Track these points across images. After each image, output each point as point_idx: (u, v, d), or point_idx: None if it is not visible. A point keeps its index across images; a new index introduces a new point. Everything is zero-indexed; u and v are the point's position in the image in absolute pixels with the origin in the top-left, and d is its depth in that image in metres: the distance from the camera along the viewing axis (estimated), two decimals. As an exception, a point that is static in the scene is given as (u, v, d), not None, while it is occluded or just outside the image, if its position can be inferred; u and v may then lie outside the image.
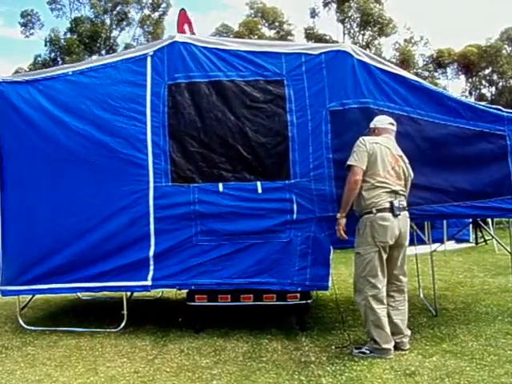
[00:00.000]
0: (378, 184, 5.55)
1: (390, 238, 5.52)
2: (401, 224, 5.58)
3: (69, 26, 41.69)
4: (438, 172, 6.07)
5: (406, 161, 5.79)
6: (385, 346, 5.47)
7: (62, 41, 40.79)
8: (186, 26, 8.96)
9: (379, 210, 5.51)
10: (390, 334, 5.53)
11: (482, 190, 6.06)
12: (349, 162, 5.62)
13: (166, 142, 6.42)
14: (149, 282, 6.41)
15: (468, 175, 6.08)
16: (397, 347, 5.60)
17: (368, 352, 5.52)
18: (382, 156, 5.57)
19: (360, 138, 5.66)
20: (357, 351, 5.58)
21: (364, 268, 5.58)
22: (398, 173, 5.67)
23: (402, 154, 5.78)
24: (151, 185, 6.40)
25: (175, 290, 7.05)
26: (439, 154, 6.07)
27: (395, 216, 5.51)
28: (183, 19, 9.09)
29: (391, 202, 5.51)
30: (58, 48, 40.93)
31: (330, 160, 6.19)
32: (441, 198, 6.08)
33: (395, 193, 5.57)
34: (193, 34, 8.86)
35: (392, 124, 5.87)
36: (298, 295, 6.26)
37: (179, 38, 6.58)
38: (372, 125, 5.89)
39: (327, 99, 6.23)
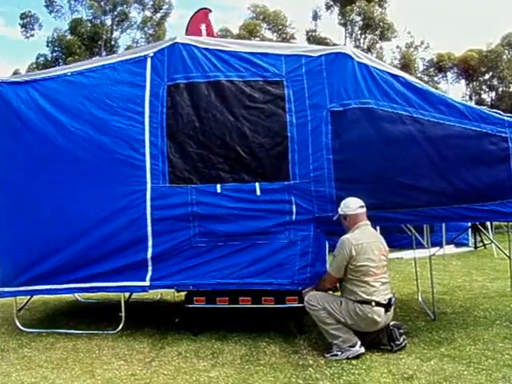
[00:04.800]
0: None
1: None
2: None
3: (68, 27, 41.76)
4: (439, 173, 6.02)
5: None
6: (349, 337, 5.60)
7: (64, 41, 40.76)
8: (202, 26, 8.91)
9: None
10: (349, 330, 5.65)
11: (483, 193, 6.01)
12: (328, 269, 5.94)
13: (163, 142, 6.40)
14: (147, 283, 6.39)
15: (469, 177, 6.02)
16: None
17: (340, 353, 5.56)
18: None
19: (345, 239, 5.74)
20: (329, 355, 5.61)
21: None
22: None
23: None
24: (149, 185, 6.37)
25: (174, 292, 7.03)
26: (441, 155, 6.02)
27: None
28: (201, 18, 9.02)
29: None
30: (60, 49, 40.93)
31: (330, 161, 6.16)
32: (441, 200, 6.04)
33: None
34: (211, 35, 8.84)
35: (362, 207, 5.89)
36: (297, 298, 6.22)
37: (180, 39, 6.57)
38: (341, 211, 5.92)
39: (327, 100, 6.22)
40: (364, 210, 5.88)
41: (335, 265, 5.74)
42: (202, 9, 9.39)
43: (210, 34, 8.92)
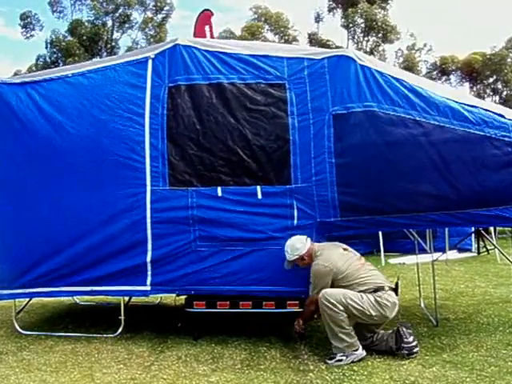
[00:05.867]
0: None
1: None
2: None
3: (68, 27, 41.68)
4: (442, 177, 5.94)
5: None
6: (354, 342, 5.56)
7: (63, 43, 40.73)
8: (206, 27, 8.92)
9: None
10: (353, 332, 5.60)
11: (486, 198, 5.93)
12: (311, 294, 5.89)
13: (164, 144, 6.35)
14: (148, 287, 6.37)
15: (472, 182, 5.93)
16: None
17: (345, 358, 5.52)
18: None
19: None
20: (333, 361, 5.55)
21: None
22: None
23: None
24: (148, 188, 6.33)
25: (174, 295, 6.99)
26: (444, 159, 5.94)
27: None
28: (205, 20, 9.03)
29: None
30: (59, 50, 40.90)
31: (333, 165, 6.11)
32: (444, 205, 5.97)
33: None
34: (211, 37, 8.84)
35: (306, 239, 5.99)
36: (298, 303, 6.19)
37: (181, 40, 6.53)
38: (294, 255, 5.93)
39: (330, 103, 6.18)
40: (308, 239, 6.00)
41: (319, 288, 5.72)
42: (204, 10, 9.40)
43: (211, 36, 8.93)
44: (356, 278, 5.65)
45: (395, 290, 5.72)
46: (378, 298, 5.54)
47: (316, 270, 5.76)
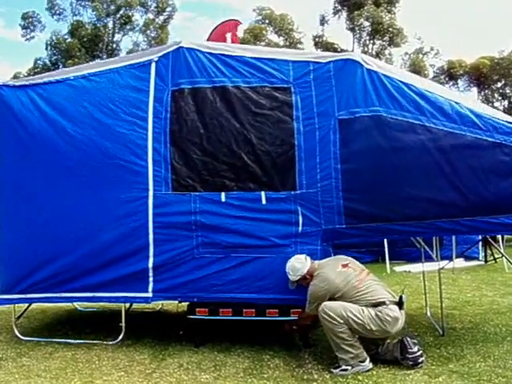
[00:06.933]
0: None
1: None
2: None
3: (68, 29, 41.75)
4: (450, 184, 5.86)
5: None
6: (359, 353, 5.47)
7: (63, 44, 40.78)
8: (228, 35, 8.91)
9: None
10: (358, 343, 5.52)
11: (495, 205, 5.84)
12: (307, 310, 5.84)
13: (167, 148, 6.29)
14: (149, 294, 6.31)
15: (481, 188, 5.84)
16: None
17: (350, 367, 5.44)
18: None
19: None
20: (337, 370, 5.48)
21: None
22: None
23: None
24: (151, 193, 6.27)
25: (176, 302, 6.94)
26: (452, 165, 5.86)
27: None
28: (229, 28, 9.02)
29: None
30: (59, 52, 40.96)
31: (338, 170, 6.03)
32: (451, 212, 5.88)
33: None
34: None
35: (305, 258, 5.90)
36: (302, 311, 6.07)
37: (185, 43, 6.48)
38: (296, 276, 5.85)
39: (336, 107, 6.10)
40: (308, 258, 5.91)
41: (314, 306, 5.68)
42: (231, 19, 9.40)
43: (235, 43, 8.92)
44: (353, 296, 5.54)
45: (399, 303, 5.61)
46: (379, 313, 5.44)
47: (313, 290, 5.71)
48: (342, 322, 5.39)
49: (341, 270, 5.72)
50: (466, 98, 7.56)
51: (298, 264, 5.84)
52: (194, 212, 6.19)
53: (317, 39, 44.46)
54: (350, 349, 5.43)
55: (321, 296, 5.62)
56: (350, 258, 6.00)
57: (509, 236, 14.42)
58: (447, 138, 5.85)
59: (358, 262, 6.01)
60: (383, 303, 5.48)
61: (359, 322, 5.39)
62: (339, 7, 44.07)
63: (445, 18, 68.90)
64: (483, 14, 73.95)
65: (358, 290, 5.55)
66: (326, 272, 5.72)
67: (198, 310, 6.31)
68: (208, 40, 8.87)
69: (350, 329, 5.41)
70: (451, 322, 7.41)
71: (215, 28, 9.42)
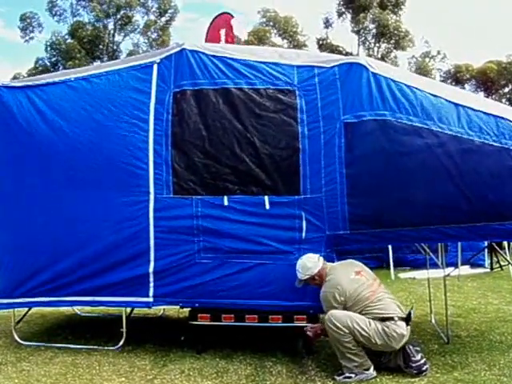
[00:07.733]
0: None
1: None
2: None
3: (68, 30, 41.84)
4: (456, 189, 5.77)
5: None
6: (364, 362, 5.42)
7: (64, 45, 40.83)
8: (222, 31, 8.81)
9: None
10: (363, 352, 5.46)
11: (501, 211, 5.74)
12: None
13: (168, 151, 6.22)
14: (150, 299, 6.26)
15: (487, 194, 5.75)
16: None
17: (354, 375, 5.38)
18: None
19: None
20: (341, 377, 5.41)
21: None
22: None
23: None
24: (151, 196, 6.20)
25: (177, 307, 6.90)
26: (459, 170, 5.77)
27: None
28: (222, 23, 8.93)
29: None
30: (59, 53, 40.99)
31: (343, 175, 5.96)
32: (457, 218, 5.81)
33: None
34: (230, 42, 8.71)
35: (319, 258, 5.83)
36: (306, 317, 6.06)
37: (188, 45, 6.42)
38: (306, 275, 5.76)
39: (341, 111, 6.03)
40: (321, 258, 5.83)
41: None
42: (222, 13, 9.28)
43: (230, 41, 8.80)
44: (362, 306, 5.46)
45: (407, 319, 5.52)
46: (386, 328, 5.36)
47: (323, 297, 5.64)
48: (347, 332, 5.32)
49: (354, 277, 5.64)
50: (477, 98, 7.47)
51: (310, 263, 5.76)
52: (196, 216, 6.12)
53: (321, 42, 44.47)
54: (354, 357, 5.38)
55: (331, 304, 5.55)
56: (361, 264, 5.92)
57: (515, 243, 14.30)
58: (454, 143, 5.77)
59: (368, 270, 5.91)
60: (391, 319, 5.40)
61: (365, 334, 5.33)
62: (343, 9, 44.10)
63: (445, 18, 69.02)
64: (483, 14, 74.16)
65: (370, 301, 5.47)
66: (338, 278, 5.63)
67: (199, 315, 6.25)
68: (206, 38, 8.78)
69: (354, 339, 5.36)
70: (456, 330, 7.33)
71: (210, 25, 9.32)
